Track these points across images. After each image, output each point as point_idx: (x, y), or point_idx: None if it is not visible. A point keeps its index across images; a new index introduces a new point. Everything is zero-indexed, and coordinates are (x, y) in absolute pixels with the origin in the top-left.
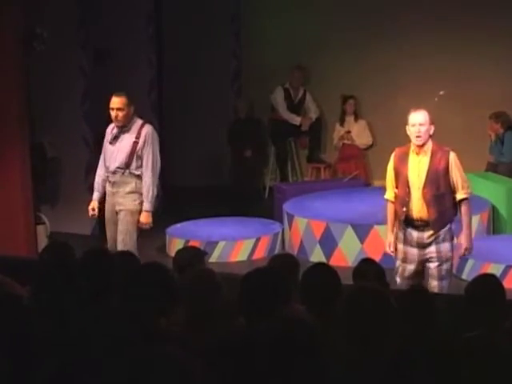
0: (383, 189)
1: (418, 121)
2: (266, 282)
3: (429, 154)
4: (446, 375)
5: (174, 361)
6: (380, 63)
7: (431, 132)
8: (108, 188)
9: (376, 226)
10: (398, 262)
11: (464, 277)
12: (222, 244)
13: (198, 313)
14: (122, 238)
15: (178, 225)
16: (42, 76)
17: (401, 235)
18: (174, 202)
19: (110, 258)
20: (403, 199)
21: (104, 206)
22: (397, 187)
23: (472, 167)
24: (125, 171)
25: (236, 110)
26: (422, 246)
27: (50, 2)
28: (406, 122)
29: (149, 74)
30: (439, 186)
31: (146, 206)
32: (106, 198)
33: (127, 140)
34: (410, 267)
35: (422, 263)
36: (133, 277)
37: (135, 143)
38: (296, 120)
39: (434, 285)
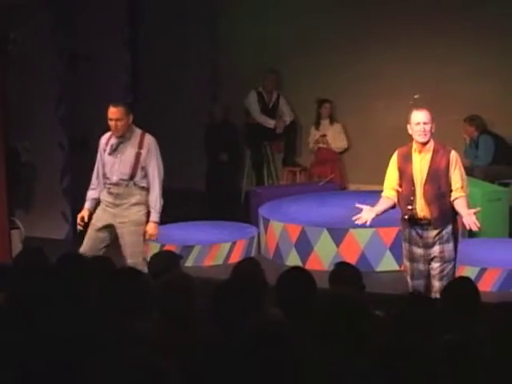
0: (358, 192)
1: (422, 119)
2: (245, 287)
3: (431, 152)
4: (421, 378)
5: (148, 365)
6: (355, 67)
7: (433, 130)
8: (108, 199)
9: (352, 230)
10: (405, 261)
11: None
12: (197, 248)
13: (173, 317)
14: (132, 252)
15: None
16: (16, 81)
17: (406, 234)
18: None
19: (84, 262)
20: (408, 198)
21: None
22: (400, 186)
23: None
24: (129, 183)
25: (211, 115)
26: (427, 245)
27: (25, 6)
28: (382, 126)
29: (124, 78)
30: (440, 184)
31: (155, 216)
32: (104, 208)
33: (129, 151)
34: (418, 266)
35: (428, 263)
36: (108, 281)
37: (138, 154)
38: (270, 123)
39: (435, 285)
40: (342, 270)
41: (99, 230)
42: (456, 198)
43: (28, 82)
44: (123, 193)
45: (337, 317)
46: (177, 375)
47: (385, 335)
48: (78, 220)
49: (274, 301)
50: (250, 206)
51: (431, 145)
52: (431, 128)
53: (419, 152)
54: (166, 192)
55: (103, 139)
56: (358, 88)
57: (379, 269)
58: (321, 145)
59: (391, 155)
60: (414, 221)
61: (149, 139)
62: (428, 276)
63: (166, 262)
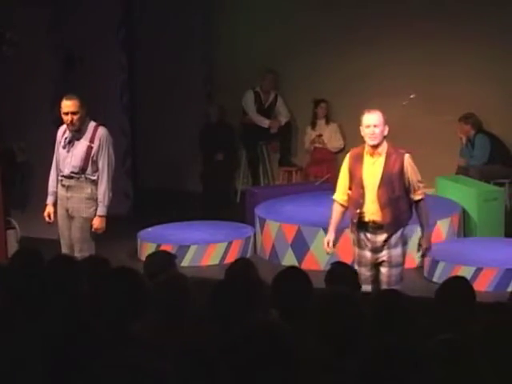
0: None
1: (372, 122)
2: (241, 287)
3: (383, 155)
4: (417, 378)
5: (144, 366)
6: (351, 67)
7: (385, 133)
8: (61, 192)
9: (348, 230)
10: (355, 265)
11: (435, 279)
12: (193, 248)
13: (169, 318)
14: (80, 247)
15: (150, 229)
16: (11, 81)
17: (354, 238)
18: (145, 205)
19: (78, 263)
20: (357, 201)
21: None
22: (350, 189)
23: (443, 170)
24: (80, 176)
25: (207, 114)
26: (375, 249)
27: (21, 6)
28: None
29: (120, 78)
30: (394, 188)
31: (101, 210)
32: (59, 201)
33: (81, 144)
34: (364, 271)
35: (376, 267)
36: (103, 282)
37: (90, 148)
38: (265, 123)
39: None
40: (338, 269)
41: (64, 226)
42: (417, 204)
43: (24, 82)
44: (74, 185)
45: (332, 316)
46: (173, 375)
47: (376, 336)
48: (46, 218)
49: (270, 301)
50: (246, 206)
51: (384, 148)
52: (382, 131)
53: (371, 155)
54: (161, 192)
55: (59, 132)
56: (354, 88)
57: None
58: (317, 145)
59: None
60: (362, 224)
61: (101, 132)
62: (375, 281)
63: (162, 262)
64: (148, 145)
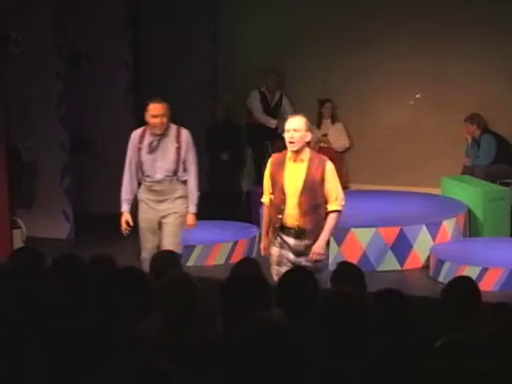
0: (360, 192)
1: (291, 126)
2: (247, 287)
3: (306, 161)
4: (423, 379)
5: (151, 366)
6: (356, 67)
7: (307, 139)
8: (150, 197)
9: (353, 230)
10: (273, 266)
11: (440, 279)
12: (199, 248)
13: (175, 317)
14: (173, 241)
15: None
16: (17, 80)
17: (276, 240)
18: None
19: (82, 263)
20: (279, 207)
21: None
22: (273, 194)
23: (448, 170)
24: (172, 178)
25: (213, 114)
26: (299, 252)
27: (26, 5)
28: (382, 125)
29: (126, 78)
30: (316, 195)
31: (193, 208)
32: (144, 206)
33: (170, 147)
34: (284, 270)
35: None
36: (109, 281)
37: (178, 149)
38: (272, 123)
39: None
40: (345, 269)
41: (151, 229)
42: (329, 213)
43: (29, 81)
44: (168, 189)
45: (338, 316)
46: (179, 376)
47: (382, 335)
48: (124, 225)
49: (275, 301)
50: (251, 206)
51: (307, 154)
52: (303, 136)
53: (294, 161)
54: None
55: (136, 136)
56: (359, 87)
57: (380, 268)
58: (322, 144)
59: (392, 154)
60: (284, 229)
61: (185, 133)
62: None
63: (167, 261)
64: None
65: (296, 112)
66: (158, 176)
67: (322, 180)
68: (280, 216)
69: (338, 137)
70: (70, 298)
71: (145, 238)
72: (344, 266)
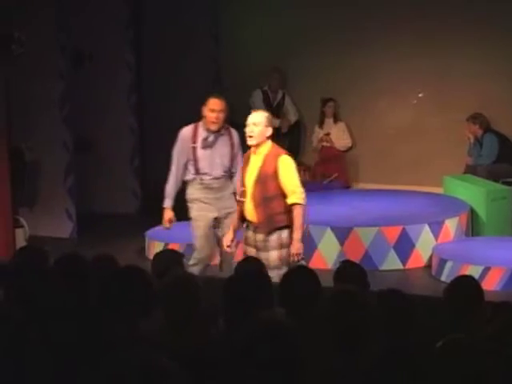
0: (362, 191)
1: (251, 120)
2: (250, 286)
3: (263, 155)
4: (425, 378)
5: (153, 365)
6: (359, 66)
7: (267, 134)
8: (207, 195)
9: (355, 228)
10: None
11: (443, 278)
12: None
13: (177, 317)
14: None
15: (158, 227)
16: (20, 80)
17: (244, 235)
18: (153, 204)
19: (84, 262)
20: (241, 200)
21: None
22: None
23: (450, 169)
24: (227, 175)
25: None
26: (258, 248)
27: (29, 5)
28: (385, 125)
29: (128, 78)
30: (268, 188)
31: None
32: (202, 206)
33: (225, 144)
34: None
35: None
36: (110, 280)
37: (232, 146)
38: (274, 122)
39: None
40: (347, 268)
41: (208, 226)
42: (291, 207)
43: (32, 81)
44: (223, 185)
45: (340, 315)
46: (181, 375)
47: (384, 334)
48: (167, 223)
49: (277, 299)
50: None
51: (266, 148)
52: (263, 131)
53: (254, 154)
54: None
55: (187, 132)
56: (361, 87)
57: (383, 267)
58: (325, 143)
59: (395, 154)
60: (246, 223)
61: (235, 132)
62: None
63: (170, 260)
64: (156, 144)
65: (298, 111)
66: (218, 173)
67: (275, 173)
68: (241, 208)
69: (340, 136)
70: (72, 297)
71: (204, 235)
72: (347, 264)
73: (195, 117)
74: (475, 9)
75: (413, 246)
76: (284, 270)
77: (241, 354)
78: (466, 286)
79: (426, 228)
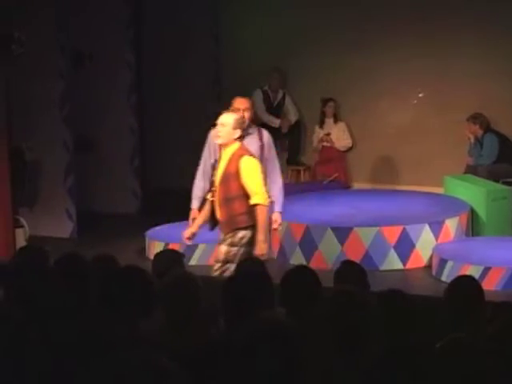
0: (362, 191)
1: (220, 121)
2: (250, 286)
3: (229, 156)
4: (425, 379)
5: (153, 365)
6: (359, 66)
7: (235, 136)
8: None
9: (356, 229)
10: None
11: (443, 278)
12: (202, 247)
13: (177, 317)
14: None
15: (158, 227)
16: (20, 79)
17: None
18: (153, 204)
19: (84, 262)
20: (210, 199)
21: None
22: None
23: (451, 169)
24: None
25: (216, 114)
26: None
27: (29, 5)
28: (385, 125)
29: (128, 78)
30: (230, 188)
31: (279, 207)
32: None
33: (253, 145)
34: (217, 265)
35: None
36: (111, 280)
37: (262, 147)
38: (275, 122)
39: None
40: (347, 268)
41: None
42: (254, 208)
43: (32, 81)
44: None
45: (340, 315)
46: (181, 375)
47: (384, 335)
48: (191, 224)
49: (278, 299)
50: None
51: (233, 149)
52: (230, 132)
53: (223, 154)
54: (169, 191)
55: (215, 132)
56: (362, 87)
57: (383, 268)
58: (325, 143)
59: (395, 154)
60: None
61: (266, 133)
62: None
63: (170, 260)
64: (156, 144)
65: (299, 111)
66: None
67: (237, 174)
68: (212, 206)
69: (340, 136)
70: (73, 297)
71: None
72: (347, 265)
73: (195, 117)
74: (475, 9)
75: (413, 246)
76: (227, 266)
77: (241, 353)
78: (467, 286)
79: (427, 228)
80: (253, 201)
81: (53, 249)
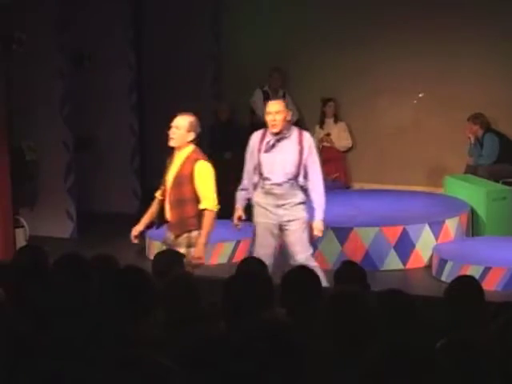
0: (362, 191)
1: (173, 123)
2: (251, 286)
3: (182, 159)
4: (426, 378)
5: (153, 365)
6: (359, 66)
7: (189, 139)
8: (269, 201)
9: (356, 229)
10: None
11: (443, 279)
12: None
13: (177, 317)
14: (302, 246)
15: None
16: (21, 79)
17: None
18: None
19: (85, 262)
20: (159, 197)
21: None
22: None
23: (451, 169)
24: (294, 182)
25: (216, 113)
26: (169, 246)
27: (29, 4)
28: (385, 124)
29: (128, 77)
30: (182, 191)
31: (320, 214)
32: (263, 212)
33: (291, 149)
34: None
35: None
36: (111, 280)
37: (300, 152)
38: None
39: None
40: (348, 268)
41: (268, 232)
42: (202, 212)
43: (33, 81)
44: (288, 193)
45: (341, 315)
46: (181, 375)
47: (385, 335)
48: (236, 221)
49: (278, 299)
50: None
51: (187, 152)
52: (183, 135)
53: (176, 157)
54: None
55: (255, 137)
56: (362, 87)
57: (383, 268)
58: (325, 144)
59: (395, 153)
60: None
61: (308, 136)
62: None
63: (170, 260)
64: (157, 144)
65: (299, 111)
66: (278, 178)
67: (191, 177)
68: (163, 207)
69: (340, 136)
70: (73, 296)
71: (259, 243)
72: (347, 265)
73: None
74: (476, 8)
75: (413, 246)
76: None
77: (241, 353)
78: (467, 286)
79: (427, 228)
80: (202, 205)
81: (53, 249)
